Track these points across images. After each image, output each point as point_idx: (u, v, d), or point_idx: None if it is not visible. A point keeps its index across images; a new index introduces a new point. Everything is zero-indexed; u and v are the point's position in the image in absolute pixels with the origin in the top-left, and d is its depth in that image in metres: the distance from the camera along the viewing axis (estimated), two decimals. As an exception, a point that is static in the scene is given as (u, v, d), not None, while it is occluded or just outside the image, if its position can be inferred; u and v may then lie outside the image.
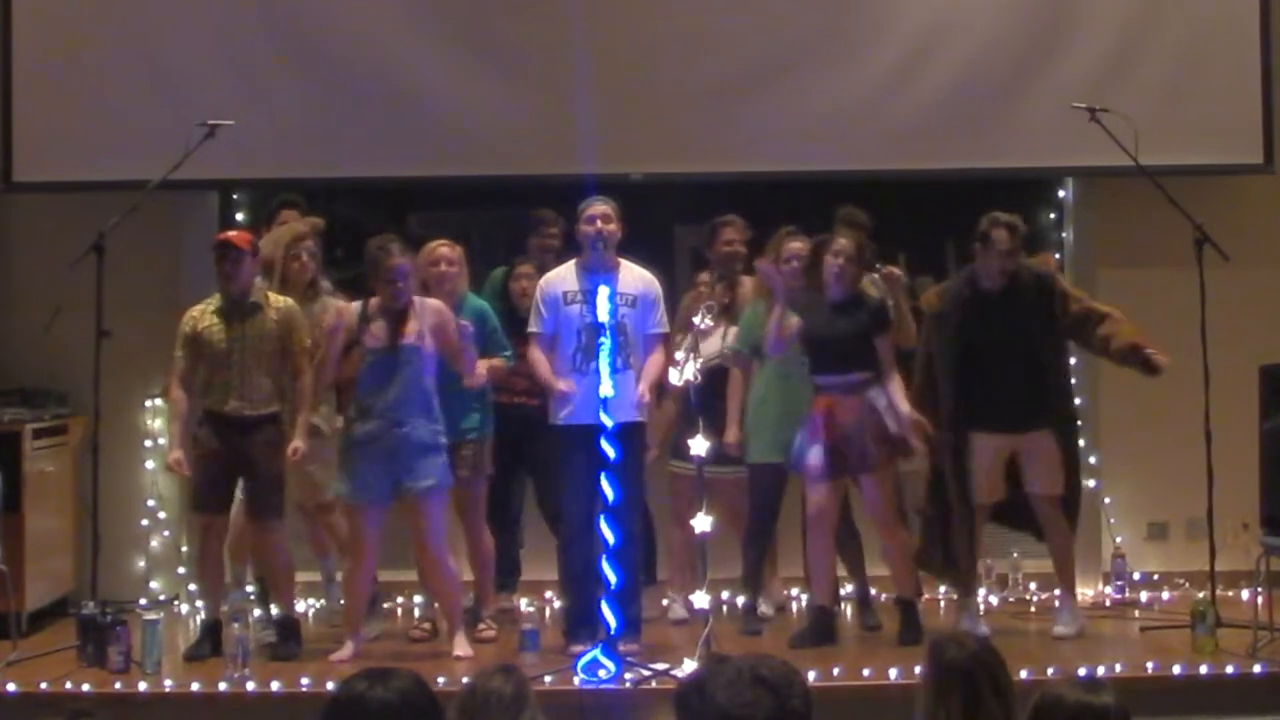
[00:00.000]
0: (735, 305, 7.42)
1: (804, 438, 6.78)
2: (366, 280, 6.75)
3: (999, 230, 6.85)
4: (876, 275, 7.18)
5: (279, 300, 6.77)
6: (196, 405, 6.75)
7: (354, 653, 6.60)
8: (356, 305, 6.70)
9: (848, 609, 7.43)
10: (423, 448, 6.55)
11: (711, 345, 7.25)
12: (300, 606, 7.58)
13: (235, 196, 8.38)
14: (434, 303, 6.71)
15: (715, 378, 7.18)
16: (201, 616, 6.98)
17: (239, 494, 6.81)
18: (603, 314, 6.40)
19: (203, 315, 6.75)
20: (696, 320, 6.58)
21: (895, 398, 6.75)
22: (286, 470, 6.77)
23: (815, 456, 6.74)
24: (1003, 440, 6.92)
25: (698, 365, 6.48)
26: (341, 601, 7.34)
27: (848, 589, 7.36)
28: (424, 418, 6.57)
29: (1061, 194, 8.44)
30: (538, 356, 6.75)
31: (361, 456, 6.55)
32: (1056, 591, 7.23)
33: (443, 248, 7.05)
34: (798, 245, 7.14)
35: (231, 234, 6.86)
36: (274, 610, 6.95)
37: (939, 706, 3.67)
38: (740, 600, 7.43)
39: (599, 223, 6.70)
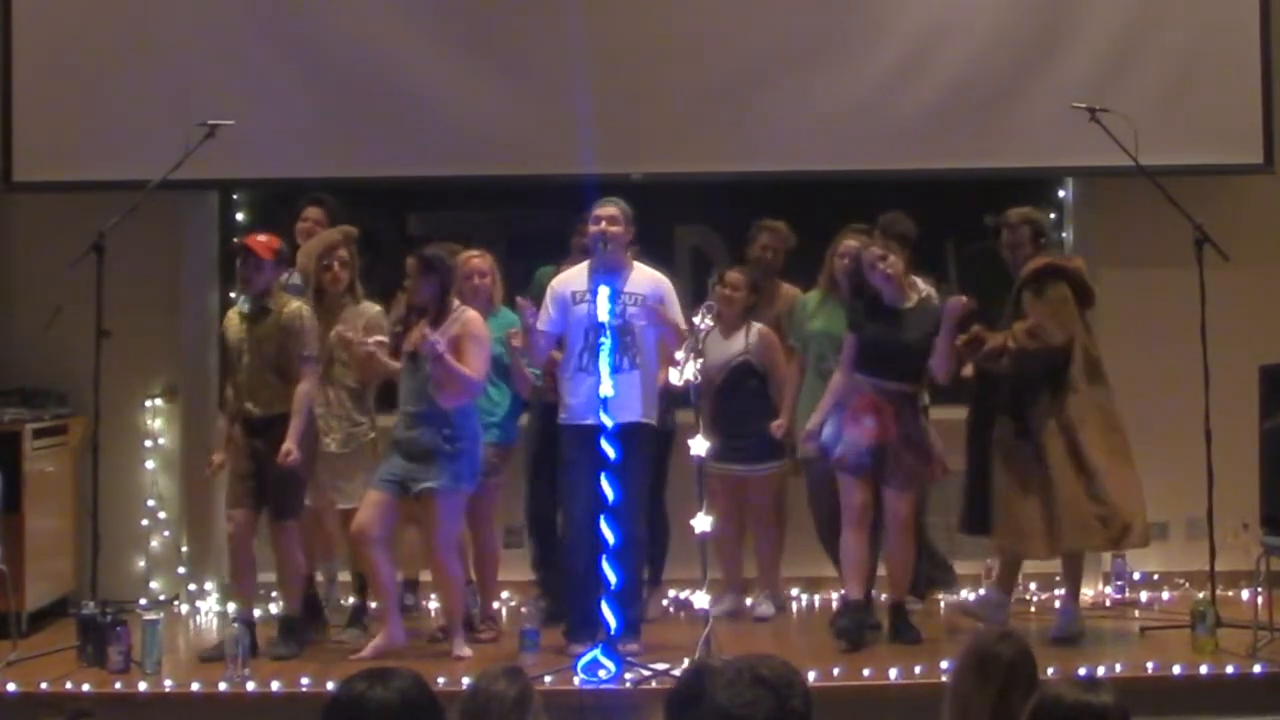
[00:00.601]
0: (762, 308, 7.47)
1: (841, 431, 6.77)
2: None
3: (1005, 230, 6.98)
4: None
5: (289, 305, 6.79)
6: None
7: (376, 649, 6.57)
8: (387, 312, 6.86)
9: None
10: (426, 452, 6.58)
11: (736, 344, 7.29)
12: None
13: (235, 196, 8.38)
14: (468, 315, 6.71)
15: (739, 375, 7.28)
16: (218, 609, 7.01)
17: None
18: (602, 314, 6.41)
19: (231, 316, 6.88)
20: (697, 320, 6.58)
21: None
22: (305, 471, 6.79)
23: (852, 452, 6.73)
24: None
25: (698, 365, 6.49)
26: (343, 601, 7.37)
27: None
28: (433, 423, 6.58)
29: (1061, 194, 8.44)
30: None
31: (390, 452, 6.70)
32: (1058, 592, 7.24)
33: (475, 259, 7.07)
34: (853, 243, 7.16)
35: (258, 239, 6.84)
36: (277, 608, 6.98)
37: (971, 697, 3.69)
38: (835, 596, 7.42)
39: (603, 223, 6.70)
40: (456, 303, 6.73)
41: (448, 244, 7.31)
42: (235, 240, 6.92)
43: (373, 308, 7.09)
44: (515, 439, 7.20)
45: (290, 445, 6.58)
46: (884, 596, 7.12)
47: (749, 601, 7.60)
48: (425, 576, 7.40)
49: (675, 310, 6.77)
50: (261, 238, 6.87)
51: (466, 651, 6.64)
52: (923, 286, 7.01)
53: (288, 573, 6.84)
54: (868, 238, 7.13)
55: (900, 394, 6.77)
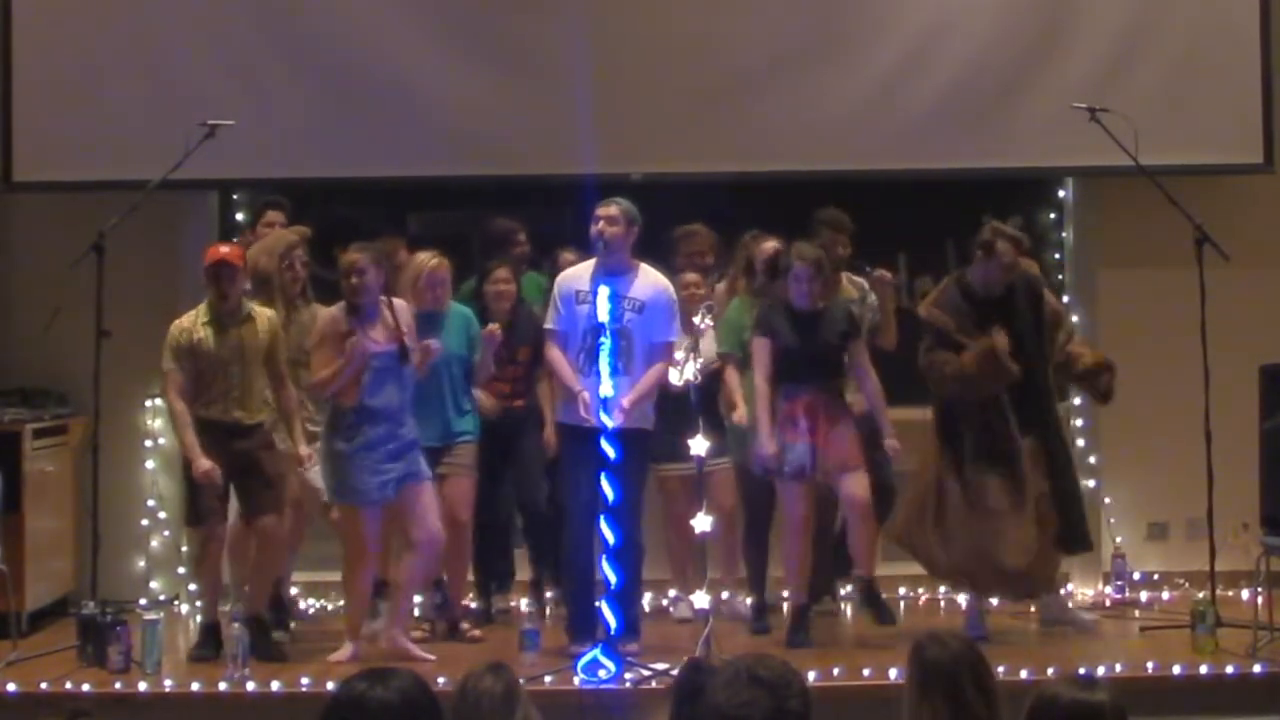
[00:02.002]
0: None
1: (779, 438, 6.74)
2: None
3: (1004, 243, 6.84)
4: (864, 279, 7.22)
5: (263, 311, 6.80)
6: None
7: (353, 654, 6.57)
8: (338, 310, 6.67)
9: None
10: (415, 444, 6.64)
11: (707, 349, 7.29)
12: (300, 605, 7.60)
13: (235, 196, 8.37)
14: (402, 303, 6.74)
15: (711, 378, 7.23)
16: (199, 619, 6.98)
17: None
18: (602, 314, 6.41)
19: (195, 326, 6.71)
20: (696, 320, 6.58)
21: (876, 402, 6.89)
22: (286, 469, 6.78)
23: (800, 455, 6.72)
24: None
25: (698, 365, 6.49)
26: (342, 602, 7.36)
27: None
28: (413, 417, 6.65)
29: (1061, 194, 8.44)
30: (556, 355, 6.75)
31: (365, 459, 6.53)
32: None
33: (437, 267, 6.99)
34: (772, 245, 7.19)
35: (225, 251, 6.80)
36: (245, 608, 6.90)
37: (922, 706, 3.68)
38: (747, 600, 7.44)
39: (601, 224, 6.70)
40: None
41: (386, 239, 7.28)
42: (210, 261, 6.76)
43: (325, 310, 7.04)
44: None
45: (306, 448, 6.67)
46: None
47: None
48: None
49: (674, 321, 6.76)
50: (224, 248, 6.85)
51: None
52: (852, 282, 7.18)
53: (266, 571, 6.81)
54: (774, 239, 7.18)
55: (825, 389, 6.80)
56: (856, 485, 6.80)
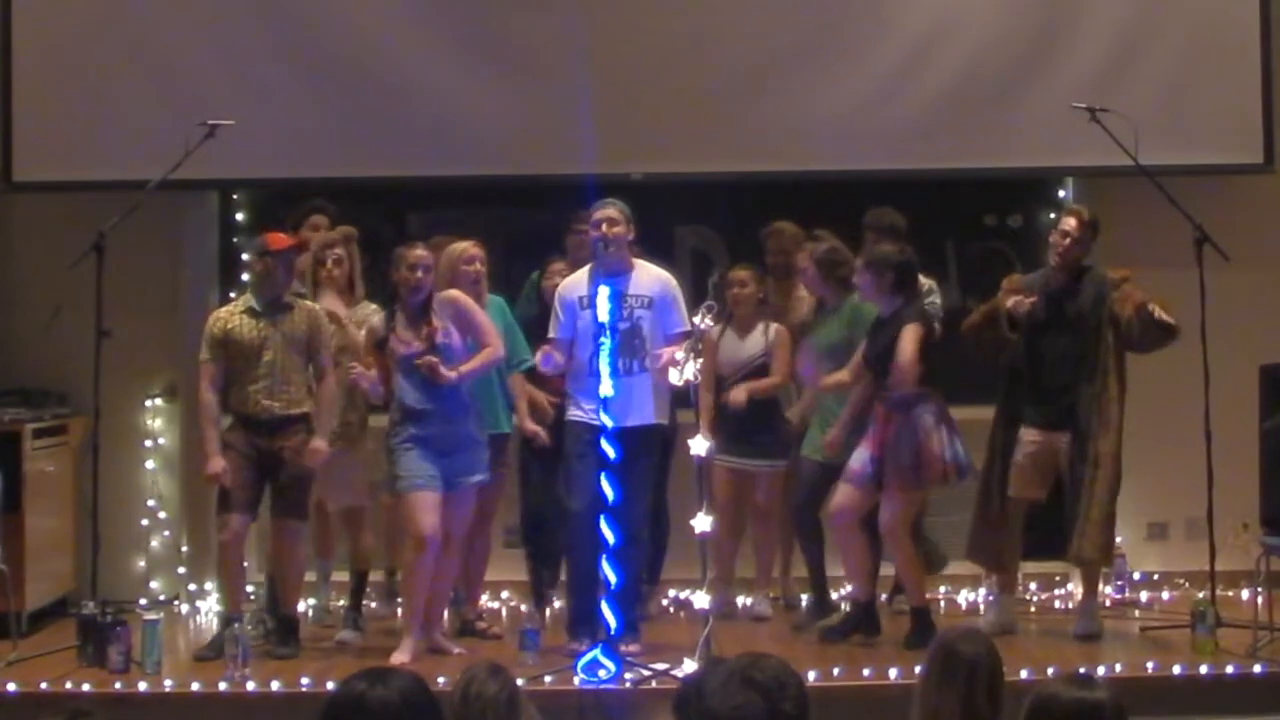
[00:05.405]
0: (787, 311, 7.50)
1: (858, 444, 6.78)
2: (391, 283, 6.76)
3: (1066, 217, 6.97)
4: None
5: (307, 303, 6.80)
6: (221, 408, 6.77)
7: (414, 653, 6.46)
8: (376, 316, 6.69)
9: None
10: (472, 443, 6.59)
11: (754, 343, 7.32)
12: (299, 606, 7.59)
13: (235, 196, 8.38)
14: (450, 293, 6.69)
15: (759, 374, 7.31)
16: (218, 609, 6.97)
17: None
18: (602, 314, 6.41)
19: (231, 316, 6.74)
20: (697, 320, 6.58)
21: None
22: (315, 471, 6.76)
23: (858, 461, 6.71)
24: (1043, 436, 6.94)
25: (698, 365, 6.48)
26: (340, 602, 7.35)
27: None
28: (467, 412, 6.59)
29: (1061, 194, 8.44)
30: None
31: (418, 451, 6.49)
32: (1058, 592, 7.28)
33: (474, 248, 7.02)
34: (742, 274, 7.32)
35: (282, 237, 6.80)
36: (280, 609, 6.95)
37: (938, 697, 3.69)
38: (805, 597, 7.47)
39: (604, 226, 6.70)
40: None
41: (441, 237, 7.31)
42: (267, 248, 6.75)
43: (368, 306, 7.08)
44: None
45: (322, 444, 6.63)
46: (883, 597, 7.13)
47: (741, 600, 7.60)
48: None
49: (682, 310, 6.77)
50: (282, 235, 6.85)
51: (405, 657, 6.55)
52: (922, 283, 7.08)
53: (291, 573, 6.83)
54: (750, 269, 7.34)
55: (900, 399, 6.68)
56: (889, 503, 6.71)
